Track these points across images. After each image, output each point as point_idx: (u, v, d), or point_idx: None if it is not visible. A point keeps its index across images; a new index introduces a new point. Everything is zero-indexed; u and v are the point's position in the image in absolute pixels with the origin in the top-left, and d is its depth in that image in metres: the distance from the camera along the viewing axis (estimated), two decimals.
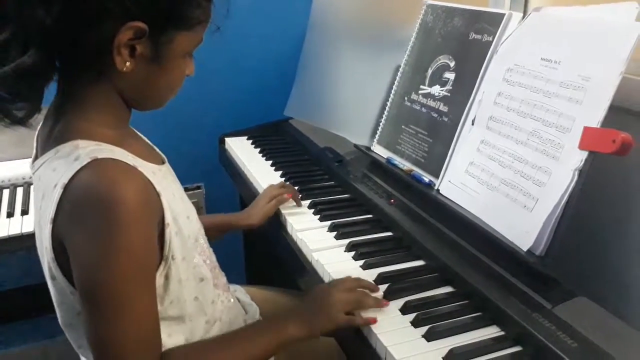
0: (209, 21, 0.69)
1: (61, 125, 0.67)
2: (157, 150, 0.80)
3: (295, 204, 1.14)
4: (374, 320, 0.77)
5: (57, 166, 0.63)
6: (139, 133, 0.78)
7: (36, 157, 0.71)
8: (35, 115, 0.66)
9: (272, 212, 1.09)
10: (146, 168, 0.66)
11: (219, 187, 1.64)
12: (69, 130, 0.66)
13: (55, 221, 0.62)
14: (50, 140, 0.67)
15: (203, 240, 0.79)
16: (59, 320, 0.74)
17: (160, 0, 0.62)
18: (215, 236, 0.99)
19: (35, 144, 0.73)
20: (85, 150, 0.62)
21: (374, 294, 0.82)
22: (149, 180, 0.64)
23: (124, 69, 0.63)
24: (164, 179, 0.70)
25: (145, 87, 0.68)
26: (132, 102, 0.70)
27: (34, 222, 0.70)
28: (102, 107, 0.67)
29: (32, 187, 1.32)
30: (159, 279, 0.68)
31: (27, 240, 1.18)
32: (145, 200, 0.63)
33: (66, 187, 0.61)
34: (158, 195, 0.65)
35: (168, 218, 0.67)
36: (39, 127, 0.72)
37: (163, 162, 0.77)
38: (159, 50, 0.64)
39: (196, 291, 0.75)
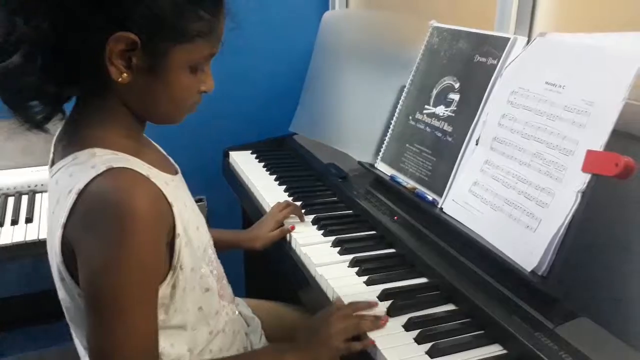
0: (216, 35, 0.68)
1: (79, 132, 0.68)
2: (171, 160, 0.81)
3: (299, 220, 1.14)
4: (372, 342, 0.77)
5: (73, 172, 0.65)
6: (153, 142, 0.79)
7: (53, 163, 0.72)
8: (52, 121, 0.68)
9: (277, 239, 1.09)
10: (160, 178, 0.67)
11: (222, 201, 1.65)
12: (87, 137, 0.67)
13: (66, 226, 0.63)
14: (69, 147, 0.68)
15: (211, 251, 0.80)
16: (68, 321, 0.74)
17: (149, 12, 0.61)
18: (218, 251, 1.00)
19: (52, 149, 0.74)
20: (101, 159, 0.64)
21: (373, 310, 0.83)
22: (161, 191, 0.65)
23: (120, 79, 0.63)
24: (176, 189, 0.71)
25: (147, 100, 0.68)
26: (140, 114, 0.70)
27: (47, 225, 0.71)
28: (115, 117, 0.68)
29: (41, 193, 1.33)
30: (166, 289, 0.69)
31: (30, 248, 1.19)
32: (156, 211, 0.64)
33: (80, 193, 0.62)
34: (170, 205, 0.67)
35: (179, 228, 0.68)
36: (56, 134, 0.74)
37: (176, 172, 0.78)
38: (154, 62, 0.64)
39: (201, 301, 0.76)
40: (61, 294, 0.71)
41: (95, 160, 0.64)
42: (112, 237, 0.61)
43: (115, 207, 0.61)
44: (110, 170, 0.62)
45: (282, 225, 1.11)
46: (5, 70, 0.61)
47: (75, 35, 0.61)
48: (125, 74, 0.64)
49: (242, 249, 1.12)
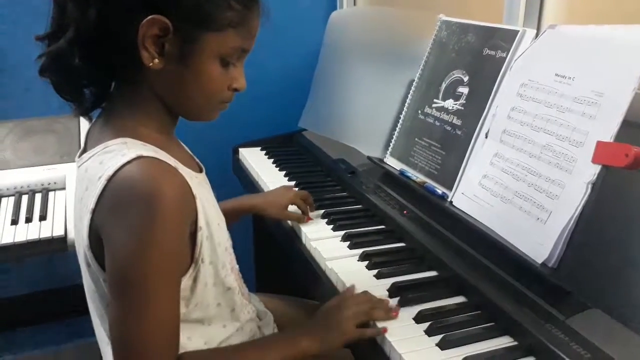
0: (247, 28, 0.69)
1: (111, 123, 0.70)
2: (196, 159, 0.82)
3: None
4: (385, 330, 0.77)
5: (103, 160, 0.66)
6: (181, 142, 0.80)
7: (83, 152, 0.73)
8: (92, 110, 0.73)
9: (289, 219, 1.12)
10: (185, 172, 0.69)
11: (232, 197, 1.66)
12: (118, 128, 0.69)
13: (94, 212, 0.64)
14: (100, 136, 0.70)
15: (231, 250, 0.81)
16: (91, 310, 0.75)
17: None
18: (235, 220, 1.03)
19: (84, 139, 0.76)
20: (131, 148, 0.65)
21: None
22: (187, 182, 0.66)
23: (151, 64, 0.65)
24: (200, 186, 0.72)
25: (177, 90, 0.70)
26: (172, 107, 0.72)
27: (74, 212, 0.73)
28: (148, 110, 0.70)
29: (54, 191, 1.35)
30: (187, 281, 0.70)
31: (44, 246, 1.20)
32: (182, 200, 0.65)
33: (109, 180, 0.63)
34: (194, 197, 0.68)
35: (201, 221, 0.69)
36: (89, 126, 0.76)
37: (201, 171, 0.80)
38: (185, 49, 0.66)
39: (220, 298, 0.77)
40: (86, 281, 0.72)
41: (126, 149, 0.65)
42: (138, 222, 0.62)
43: (143, 194, 0.62)
44: (139, 159, 0.64)
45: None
46: (52, 54, 0.65)
47: (115, 20, 0.64)
48: (157, 60, 0.65)
49: (254, 212, 1.14)
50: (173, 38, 0.65)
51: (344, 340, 0.78)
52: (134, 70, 0.67)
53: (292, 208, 1.14)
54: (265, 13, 0.71)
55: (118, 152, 0.65)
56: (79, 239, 0.69)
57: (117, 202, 0.63)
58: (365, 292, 0.84)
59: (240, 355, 0.74)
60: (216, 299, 0.76)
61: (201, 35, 0.66)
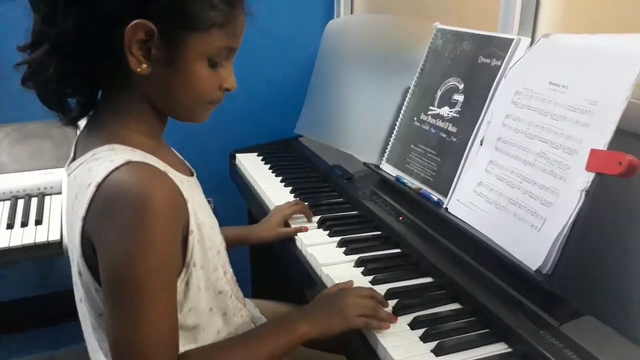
0: (233, 27, 0.68)
1: (100, 130, 0.70)
2: (187, 163, 0.82)
3: (306, 219, 1.15)
4: (388, 326, 0.78)
5: (92, 167, 0.66)
6: (170, 147, 0.80)
7: (73, 160, 0.73)
8: (81, 118, 0.73)
9: (287, 236, 1.10)
10: (175, 176, 0.69)
11: (228, 202, 1.66)
12: (107, 134, 0.69)
13: (85, 219, 0.64)
14: (89, 144, 0.70)
15: (225, 253, 0.81)
16: (81, 319, 0.75)
17: (164, 0, 0.63)
18: (228, 247, 1.01)
19: (73, 147, 0.76)
20: (120, 154, 0.65)
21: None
22: (177, 186, 0.66)
23: (139, 69, 0.65)
24: (190, 189, 0.72)
25: (167, 93, 0.69)
26: (162, 110, 0.71)
27: (66, 221, 0.73)
28: (136, 114, 0.70)
29: (50, 196, 1.35)
30: (180, 286, 0.70)
31: (40, 251, 1.20)
32: (172, 203, 0.65)
33: (99, 186, 0.63)
34: (185, 201, 0.68)
35: (192, 225, 0.69)
36: (78, 133, 0.76)
37: (192, 174, 0.80)
38: (171, 51, 0.65)
39: (212, 302, 0.76)
40: (77, 290, 0.72)
41: (114, 155, 0.65)
42: (130, 227, 0.61)
43: (134, 198, 0.61)
44: (128, 164, 0.64)
45: (288, 222, 1.13)
46: (30, 66, 0.65)
47: (96, 28, 0.63)
48: (144, 65, 0.65)
49: (250, 243, 1.13)
50: (159, 41, 0.64)
51: (347, 327, 0.77)
52: (122, 76, 0.67)
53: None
54: (250, 12, 0.71)
55: (106, 159, 0.65)
56: (72, 247, 0.69)
57: (107, 208, 0.63)
58: (370, 289, 0.84)
59: (238, 348, 0.73)
60: (208, 303, 0.76)
61: (187, 37, 0.65)
